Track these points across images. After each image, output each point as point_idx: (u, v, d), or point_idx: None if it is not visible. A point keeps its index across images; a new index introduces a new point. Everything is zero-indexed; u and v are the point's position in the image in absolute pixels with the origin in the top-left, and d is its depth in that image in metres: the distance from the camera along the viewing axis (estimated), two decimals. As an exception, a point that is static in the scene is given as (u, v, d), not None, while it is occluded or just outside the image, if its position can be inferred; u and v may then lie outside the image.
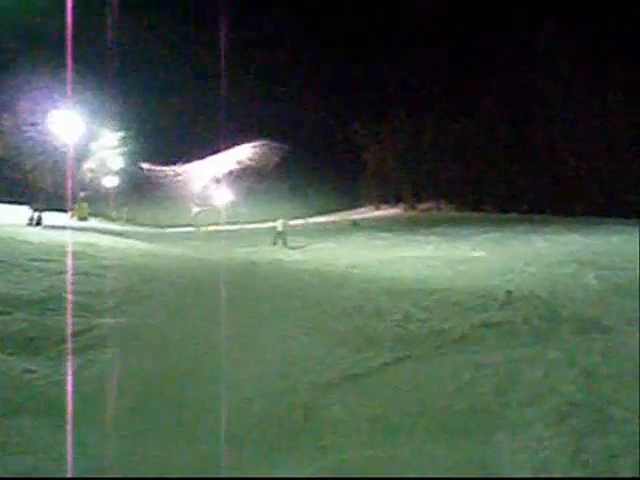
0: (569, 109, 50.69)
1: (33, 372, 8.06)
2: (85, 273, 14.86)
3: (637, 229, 26.54)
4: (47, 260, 15.78)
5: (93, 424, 6.66)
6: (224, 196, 70.21)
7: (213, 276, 17.52)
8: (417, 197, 58.65)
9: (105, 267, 16.22)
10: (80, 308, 11.32)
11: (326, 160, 73.87)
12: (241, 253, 26.67)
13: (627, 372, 7.82)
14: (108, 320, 10.79)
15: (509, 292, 13.82)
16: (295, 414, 7.14)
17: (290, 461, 6.00)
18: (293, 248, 29.47)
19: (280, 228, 32.24)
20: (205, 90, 72.87)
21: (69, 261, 15.99)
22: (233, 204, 69.58)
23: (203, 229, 48.78)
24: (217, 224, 55.41)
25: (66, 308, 11.18)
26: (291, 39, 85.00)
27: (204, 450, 6.18)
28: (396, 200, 60.89)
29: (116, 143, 58.62)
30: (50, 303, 11.45)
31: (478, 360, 8.73)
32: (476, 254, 22.78)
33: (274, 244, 31.14)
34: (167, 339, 10.14)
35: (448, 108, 57.47)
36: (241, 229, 47.90)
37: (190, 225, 56.01)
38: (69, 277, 14.01)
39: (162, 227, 54.55)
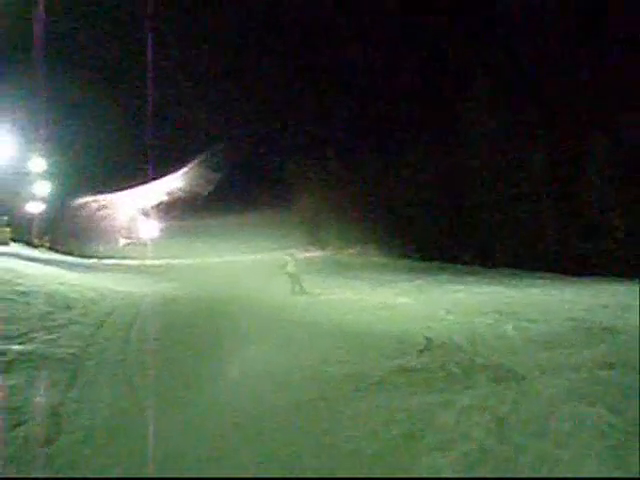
0: (493, 160, 52.00)
1: None
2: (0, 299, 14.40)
3: (555, 283, 27.22)
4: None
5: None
6: (151, 229, 69.27)
7: (133, 308, 17.18)
8: (344, 241, 58.89)
9: (22, 293, 15.74)
10: None
11: (257, 195, 73.71)
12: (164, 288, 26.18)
13: (538, 420, 7.92)
14: (16, 347, 10.40)
15: (428, 339, 13.93)
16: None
17: None
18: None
19: (291, 269, 25.72)
20: (135, 116, 72.10)
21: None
22: (161, 238, 68.64)
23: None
24: (143, 258, 54.50)
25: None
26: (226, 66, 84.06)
27: None
28: (323, 243, 61.04)
29: (43, 168, 57.42)
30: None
31: (393, 404, 8.71)
32: (399, 300, 22.93)
33: (301, 290, 24.92)
34: (77, 371, 9.85)
35: (380, 154, 58.29)
36: (167, 264, 47.28)
37: (115, 257, 55.06)
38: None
39: (86, 257, 53.36)
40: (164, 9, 68.26)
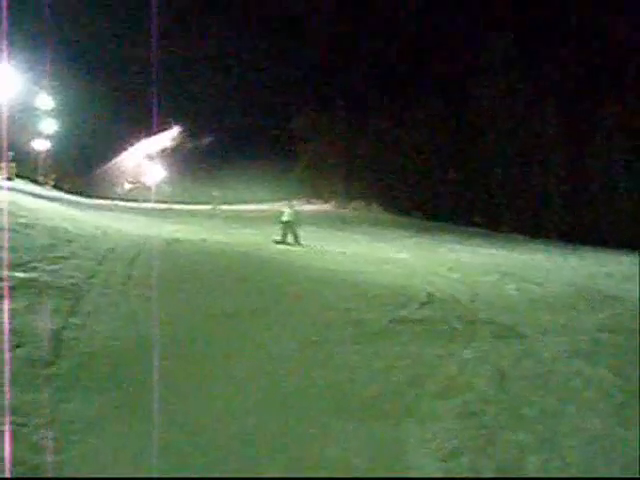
0: (507, 125, 51.63)
1: None
2: (2, 229, 14.26)
3: (560, 249, 27.18)
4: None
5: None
6: (156, 174, 69.17)
7: (135, 247, 17.07)
8: (349, 195, 58.60)
9: (25, 225, 15.60)
10: None
11: (261, 149, 73.32)
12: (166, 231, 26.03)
13: (540, 375, 7.90)
14: (18, 274, 10.33)
15: (430, 293, 13.86)
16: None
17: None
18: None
19: (287, 217, 24.72)
20: (139, 73, 71.65)
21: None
22: (164, 183, 68.50)
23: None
24: (147, 201, 54.42)
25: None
26: (231, 23, 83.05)
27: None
28: (327, 196, 60.70)
29: (50, 106, 56.96)
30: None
31: (394, 352, 8.67)
32: (400, 255, 22.79)
33: (281, 241, 23.76)
34: (78, 299, 9.82)
35: (391, 111, 57.59)
36: (169, 208, 47.14)
37: (120, 199, 55.06)
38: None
39: (91, 197, 53.18)
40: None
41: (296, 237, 24.22)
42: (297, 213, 26.06)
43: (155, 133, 71.15)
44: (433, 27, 63.46)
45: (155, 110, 66.74)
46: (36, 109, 55.65)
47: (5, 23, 33.30)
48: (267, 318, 10.54)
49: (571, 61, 49.74)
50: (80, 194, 52.89)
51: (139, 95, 69.06)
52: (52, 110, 57.31)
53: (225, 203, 52.13)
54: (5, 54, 39.98)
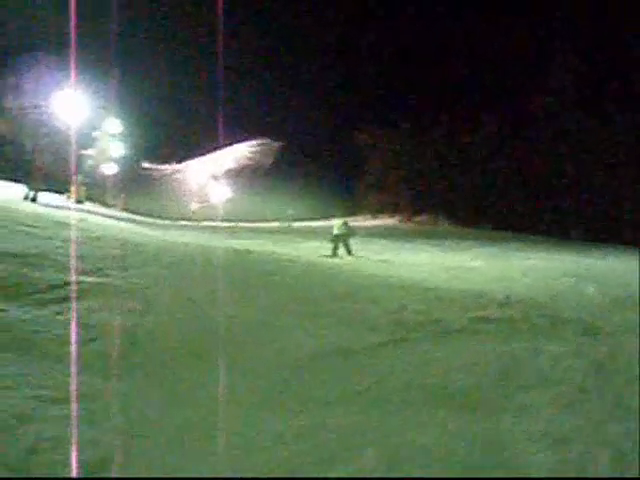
0: (571, 129, 50.87)
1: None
2: (74, 241, 14.40)
3: (632, 253, 26.46)
4: (36, 227, 15.33)
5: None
6: (221, 194, 69.93)
7: (203, 257, 17.08)
8: (414, 210, 58.26)
9: (96, 238, 15.77)
10: (64, 267, 11.00)
11: (326, 163, 73.60)
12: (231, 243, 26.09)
13: (636, 368, 7.48)
14: (90, 279, 10.43)
15: (507, 295, 13.48)
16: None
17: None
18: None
19: (337, 231, 23.98)
20: (206, 85, 72.77)
21: (60, 231, 15.55)
22: (230, 202, 69.17)
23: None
24: (214, 220, 55.08)
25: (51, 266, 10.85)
26: (297, 38, 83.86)
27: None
28: (393, 211, 60.43)
29: (118, 130, 58.25)
30: (32, 258, 11.13)
31: (478, 348, 8.40)
32: (473, 264, 22.36)
33: (332, 255, 22.61)
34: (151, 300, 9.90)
35: (455, 122, 57.24)
36: (236, 225, 47.64)
37: (188, 219, 55.95)
38: (57, 243, 13.58)
39: (159, 218, 54.08)
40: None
41: (348, 249, 23.40)
42: (347, 226, 24.90)
43: (220, 148, 71.86)
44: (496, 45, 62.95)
45: (221, 129, 67.63)
46: (104, 133, 56.92)
47: (74, 49, 34.17)
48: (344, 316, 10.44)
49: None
50: (149, 215, 53.68)
51: (203, 117, 70.31)
52: (120, 134, 58.56)
53: (296, 220, 52.58)
54: (73, 79, 41.03)
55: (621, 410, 6.07)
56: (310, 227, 46.59)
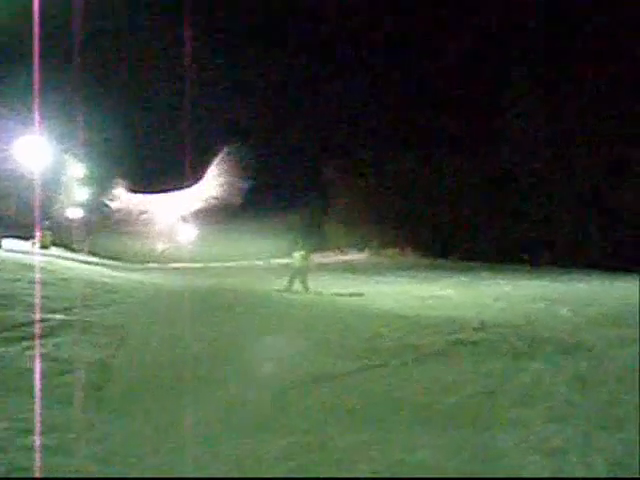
0: (539, 158, 51.40)
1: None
2: (41, 282, 14.23)
3: (601, 278, 26.76)
4: (1, 270, 15.18)
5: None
6: (190, 234, 69.88)
7: (171, 292, 17.03)
8: (382, 244, 58.43)
9: (63, 279, 15.67)
10: (31, 306, 10.97)
11: (292, 197, 73.57)
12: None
13: (622, 380, 7.55)
14: (59, 316, 10.38)
15: (482, 320, 13.42)
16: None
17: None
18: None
19: (298, 263, 22.71)
20: (170, 119, 72.83)
21: (27, 273, 15.35)
22: (198, 242, 69.06)
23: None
24: (182, 261, 54.84)
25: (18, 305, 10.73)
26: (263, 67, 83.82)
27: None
28: (361, 245, 60.61)
29: (82, 173, 58.03)
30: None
31: (459, 369, 8.35)
32: (444, 292, 22.37)
33: (286, 289, 21.45)
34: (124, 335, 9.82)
35: (417, 154, 57.72)
36: (205, 267, 47.45)
37: (155, 261, 55.70)
38: (24, 284, 13.42)
39: (125, 261, 53.65)
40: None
41: (304, 283, 21.99)
42: (305, 258, 23.45)
43: (185, 191, 71.95)
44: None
45: (187, 170, 67.76)
46: (68, 177, 56.66)
47: (37, 95, 34.11)
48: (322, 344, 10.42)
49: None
50: (117, 258, 53.31)
51: (168, 158, 70.25)
52: (83, 178, 58.31)
53: (271, 257, 53.00)
54: (37, 125, 40.83)
55: (609, 420, 6.09)
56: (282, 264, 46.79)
